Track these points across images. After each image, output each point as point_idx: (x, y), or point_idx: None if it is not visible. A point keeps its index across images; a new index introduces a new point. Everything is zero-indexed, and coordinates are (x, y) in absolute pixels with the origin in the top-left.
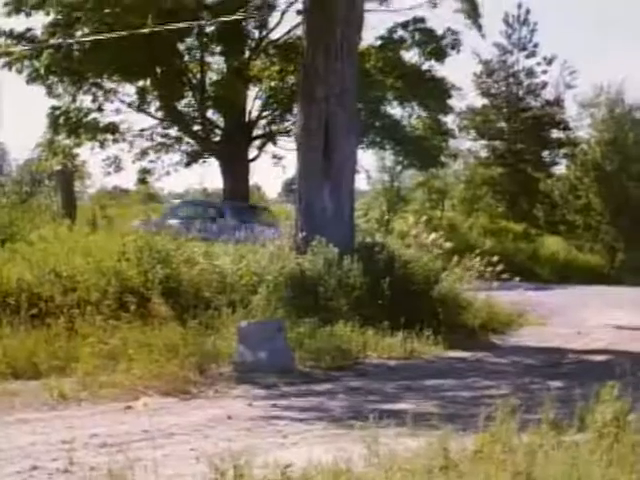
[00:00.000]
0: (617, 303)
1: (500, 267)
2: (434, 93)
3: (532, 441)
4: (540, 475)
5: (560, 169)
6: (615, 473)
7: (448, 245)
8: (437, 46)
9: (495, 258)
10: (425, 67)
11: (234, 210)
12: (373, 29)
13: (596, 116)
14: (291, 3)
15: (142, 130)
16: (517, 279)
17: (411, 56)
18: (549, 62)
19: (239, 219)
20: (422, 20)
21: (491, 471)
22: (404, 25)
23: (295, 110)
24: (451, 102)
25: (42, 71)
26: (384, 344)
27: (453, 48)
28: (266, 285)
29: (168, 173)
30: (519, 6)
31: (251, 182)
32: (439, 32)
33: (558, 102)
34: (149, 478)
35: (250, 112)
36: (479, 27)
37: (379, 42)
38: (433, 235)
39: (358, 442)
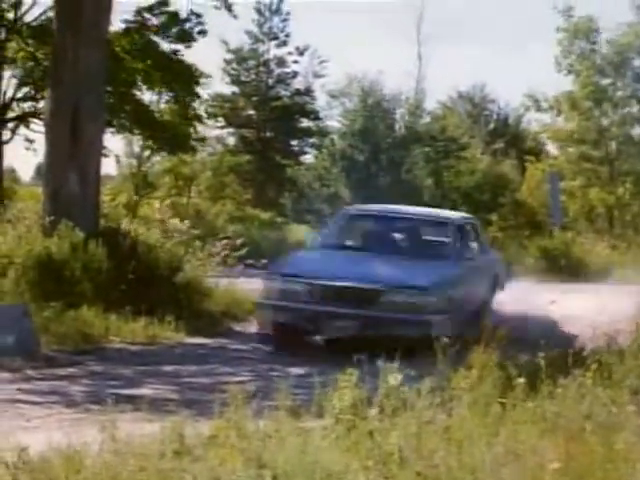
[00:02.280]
0: None
1: (243, 251)
2: (182, 78)
3: (267, 427)
4: (271, 460)
5: (309, 158)
6: (349, 458)
7: (193, 231)
8: (182, 29)
9: (239, 241)
10: (172, 51)
11: None
12: (124, 13)
13: (347, 106)
14: None
15: None
16: (264, 261)
17: (159, 40)
18: (301, 52)
19: None
20: (165, 3)
21: (225, 456)
22: (149, 8)
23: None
24: (199, 89)
25: None
26: (127, 329)
27: (200, 33)
28: (15, 268)
29: None
30: None
31: (5, 165)
32: (183, 15)
33: (308, 92)
34: None
35: (4, 94)
36: (228, 7)
37: (125, 26)
38: (178, 221)
39: (97, 426)
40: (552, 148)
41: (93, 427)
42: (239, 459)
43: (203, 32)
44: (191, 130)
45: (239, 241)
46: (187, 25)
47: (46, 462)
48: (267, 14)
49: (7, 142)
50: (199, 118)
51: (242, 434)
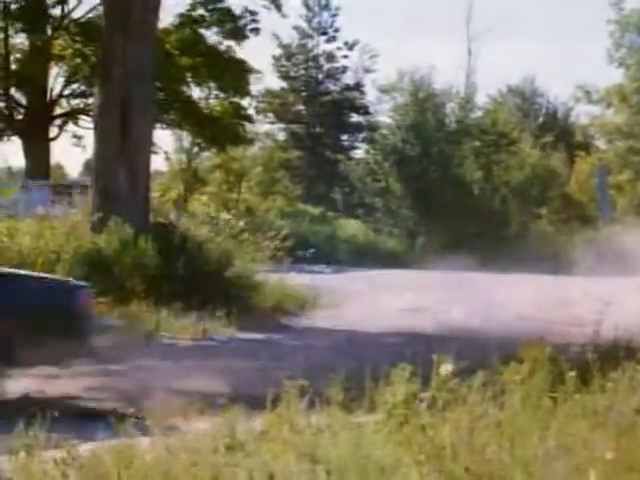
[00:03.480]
0: (411, 286)
1: (290, 243)
2: (232, 74)
3: (319, 422)
4: (324, 455)
5: (359, 153)
6: (402, 453)
7: (243, 227)
8: (235, 26)
9: (284, 232)
10: (224, 48)
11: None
12: (175, 6)
13: (398, 101)
14: None
15: None
16: (311, 251)
17: (210, 36)
18: (350, 47)
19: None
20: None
21: (277, 451)
22: (203, 3)
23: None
24: (250, 84)
25: None
26: (177, 324)
27: (252, 30)
28: (63, 264)
29: None
30: None
31: (53, 161)
32: (237, 12)
33: (358, 86)
34: None
35: (52, 90)
36: (278, 7)
37: (178, 20)
38: (228, 216)
39: (149, 422)
40: (600, 142)
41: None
42: (291, 454)
43: (256, 30)
44: (241, 126)
45: (284, 232)
46: (241, 22)
47: (97, 457)
48: (316, 9)
49: (55, 139)
50: (248, 115)
51: (294, 429)
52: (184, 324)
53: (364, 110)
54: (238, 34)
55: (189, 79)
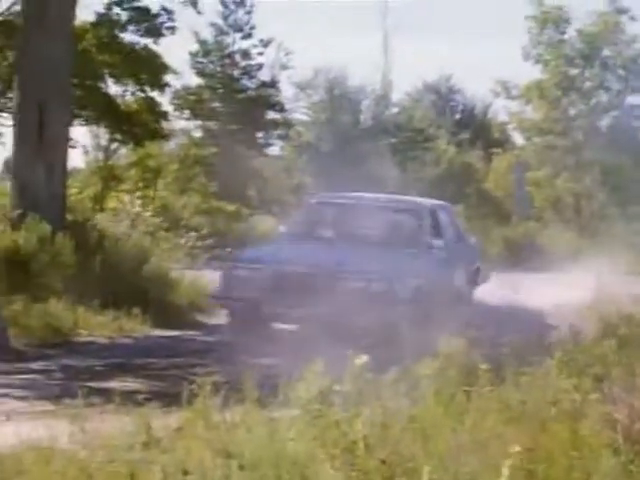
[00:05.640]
0: None
1: (209, 241)
2: (149, 71)
3: (234, 418)
4: (237, 451)
5: (275, 150)
6: (315, 447)
7: (159, 223)
8: (152, 24)
9: (204, 231)
10: (141, 45)
11: None
12: (88, 7)
13: (313, 98)
14: None
15: None
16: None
17: (127, 33)
18: (266, 44)
19: None
20: None
21: (193, 447)
22: (118, 3)
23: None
24: (167, 81)
25: None
26: (95, 322)
27: (169, 29)
28: None
29: None
30: None
31: None
32: (154, 11)
33: (274, 84)
34: None
35: None
36: (194, 4)
37: (94, 19)
38: (144, 213)
39: (66, 420)
40: (518, 138)
41: (63, 420)
42: (207, 450)
43: (172, 28)
44: (157, 123)
45: (203, 231)
46: (158, 20)
47: (15, 455)
48: (232, 7)
49: None
50: (165, 112)
51: (209, 425)
52: (101, 322)
53: (280, 107)
54: (155, 32)
55: (106, 76)
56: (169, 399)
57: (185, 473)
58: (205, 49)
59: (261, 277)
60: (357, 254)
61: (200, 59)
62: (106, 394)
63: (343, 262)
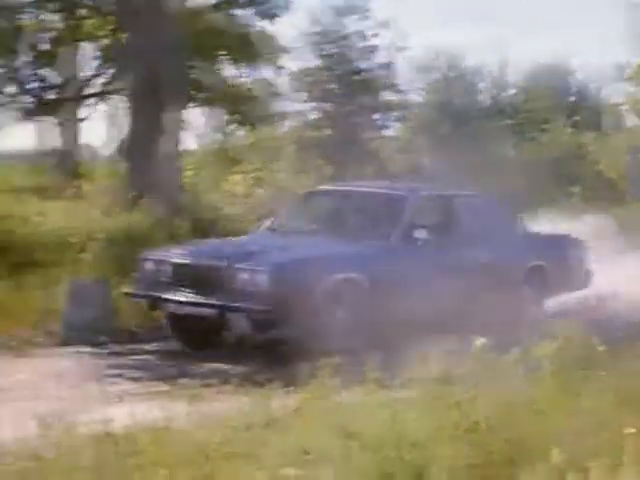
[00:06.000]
0: None
1: None
2: (264, 53)
3: (354, 398)
4: (359, 430)
5: (391, 132)
6: (437, 428)
7: (274, 205)
8: (268, 6)
9: None
10: (258, 27)
11: None
12: None
13: (430, 79)
14: None
15: None
16: None
17: (243, 15)
18: (383, 25)
19: None
20: None
21: (311, 427)
22: None
23: (124, 69)
24: (283, 63)
25: None
26: None
27: (284, 10)
28: (96, 243)
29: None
30: None
31: (84, 141)
32: None
33: (389, 65)
34: None
35: (83, 71)
36: None
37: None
38: (260, 194)
39: (182, 401)
40: (633, 120)
41: (179, 401)
42: (326, 430)
43: (288, 9)
44: (273, 104)
45: None
46: (273, 2)
47: (131, 435)
48: None
49: (85, 119)
50: (281, 93)
51: (329, 406)
52: None
53: (396, 88)
54: (270, 14)
55: (221, 58)
56: (289, 380)
57: (305, 453)
58: (323, 30)
59: (158, 272)
60: (284, 245)
61: (318, 40)
62: (222, 375)
63: (238, 254)
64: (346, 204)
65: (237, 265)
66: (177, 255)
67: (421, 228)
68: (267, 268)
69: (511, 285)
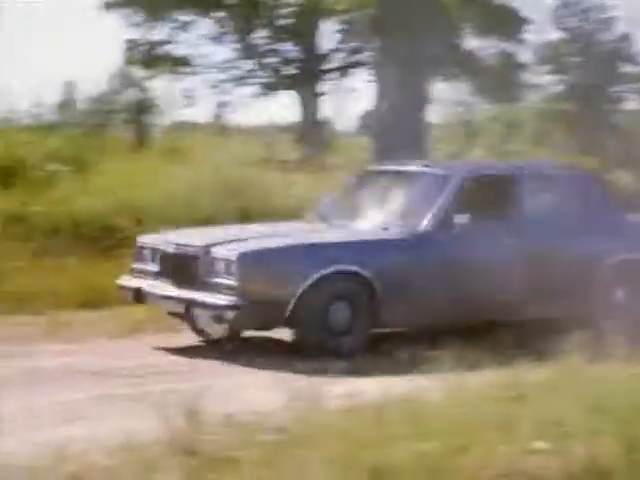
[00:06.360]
0: None
1: None
2: (507, 25)
3: (602, 372)
4: (608, 404)
5: (629, 104)
6: None
7: None
8: None
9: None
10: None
11: None
12: None
13: None
14: None
15: (217, 63)
16: None
17: None
18: None
19: None
20: None
21: (560, 402)
22: None
23: (371, 43)
24: (525, 35)
25: None
26: None
27: None
28: None
29: (242, 106)
30: None
31: (325, 115)
32: None
33: (629, 37)
34: None
35: (324, 45)
36: None
37: None
38: None
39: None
40: None
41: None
42: (576, 404)
43: None
44: (516, 77)
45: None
46: None
47: (379, 407)
48: None
49: (325, 94)
50: (524, 66)
51: (578, 380)
52: None
53: (635, 61)
54: None
55: (464, 31)
56: (538, 355)
57: (557, 425)
58: (565, 2)
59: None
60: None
61: (560, 12)
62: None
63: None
64: (383, 186)
65: (206, 253)
66: (164, 242)
67: (464, 213)
68: (234, 257)
69: (589, 284)
